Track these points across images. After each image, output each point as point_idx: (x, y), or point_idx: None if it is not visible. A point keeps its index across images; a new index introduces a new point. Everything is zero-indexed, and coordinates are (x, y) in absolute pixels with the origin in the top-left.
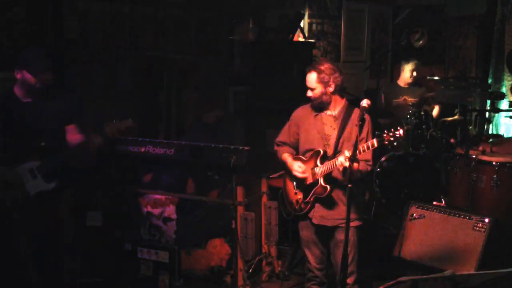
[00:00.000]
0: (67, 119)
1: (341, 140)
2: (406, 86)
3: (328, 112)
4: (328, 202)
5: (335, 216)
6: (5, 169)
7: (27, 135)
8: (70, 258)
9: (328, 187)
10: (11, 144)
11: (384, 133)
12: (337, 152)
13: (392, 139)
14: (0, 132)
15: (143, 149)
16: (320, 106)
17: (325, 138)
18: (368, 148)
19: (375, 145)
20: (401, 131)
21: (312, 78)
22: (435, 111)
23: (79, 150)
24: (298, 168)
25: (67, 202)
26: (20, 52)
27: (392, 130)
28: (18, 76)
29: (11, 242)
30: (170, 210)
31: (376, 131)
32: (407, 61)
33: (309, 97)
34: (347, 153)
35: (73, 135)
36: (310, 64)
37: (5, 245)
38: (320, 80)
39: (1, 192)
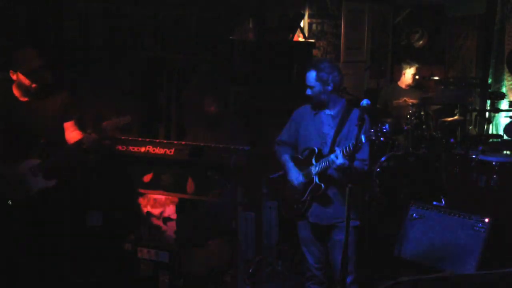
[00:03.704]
0: (65, 116)
1: (338, 139)
2: (407, 88)
3: (327, 111)
4: (324, 201)
5: (331, 215)
6: (6, 168)
7: (26, 133)
8: (70, 258)
9: (323, 185)
10: (12, 143)
11: (372, 129)
12: (333, 151)
13: (379, 134)
14: (1, 131)
15: (143, 149)
16: (318, 104)
17: (322, 137)
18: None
19: (363, 141)
20: (387, 126)
21: (311, 76)
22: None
23: (77, 147)
24: (295, 180)
25: (66, 201)
26: (13, 52)
27: (379, 125)
28: (14, 77)
29: (10, 241)
30: (170, 210)
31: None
32: (409, 64)
33: (308, 96)
34: (338, 151)
35: (72, 132)
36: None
37: (4, 244)
38: (319, 79)
39: (3, 191)
